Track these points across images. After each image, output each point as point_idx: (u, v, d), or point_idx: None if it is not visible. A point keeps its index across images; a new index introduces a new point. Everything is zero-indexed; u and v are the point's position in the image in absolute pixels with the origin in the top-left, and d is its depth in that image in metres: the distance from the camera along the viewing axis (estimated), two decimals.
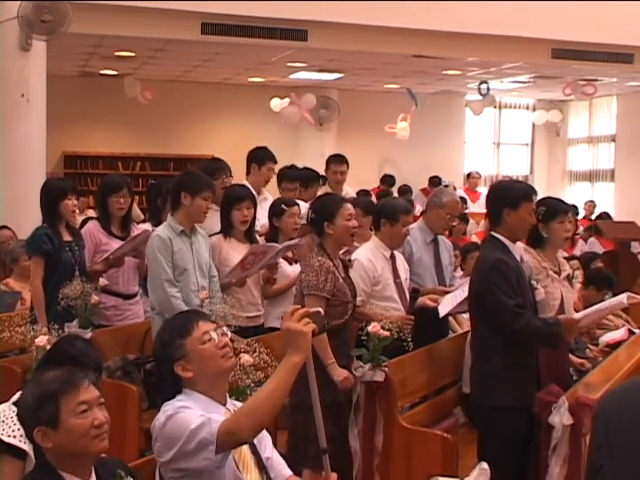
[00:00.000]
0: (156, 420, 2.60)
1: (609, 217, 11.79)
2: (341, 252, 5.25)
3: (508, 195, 4.08)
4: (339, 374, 4.15)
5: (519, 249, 4.22)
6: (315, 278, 4.19)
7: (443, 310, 4.78)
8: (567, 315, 4.27)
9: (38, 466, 2.41)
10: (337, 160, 7.16)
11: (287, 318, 2.54)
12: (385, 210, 4.99)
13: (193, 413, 2.52)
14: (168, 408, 2.58)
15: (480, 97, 12.94)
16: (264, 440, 2.75)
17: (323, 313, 2.66)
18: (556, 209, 4.39)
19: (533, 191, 4.24)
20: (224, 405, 2.69)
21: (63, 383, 2.36)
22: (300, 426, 4.08)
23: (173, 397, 2.64)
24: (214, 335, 2.68)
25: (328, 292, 4.19)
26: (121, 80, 12.61)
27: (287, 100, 12.33)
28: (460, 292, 4.76)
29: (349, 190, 7.40)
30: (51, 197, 5.15)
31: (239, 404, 2.82)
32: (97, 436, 2.35)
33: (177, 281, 4.75)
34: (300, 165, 7.51)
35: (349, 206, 4.41)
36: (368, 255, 4.86)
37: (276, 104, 12.58)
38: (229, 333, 2.79)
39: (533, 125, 16.27)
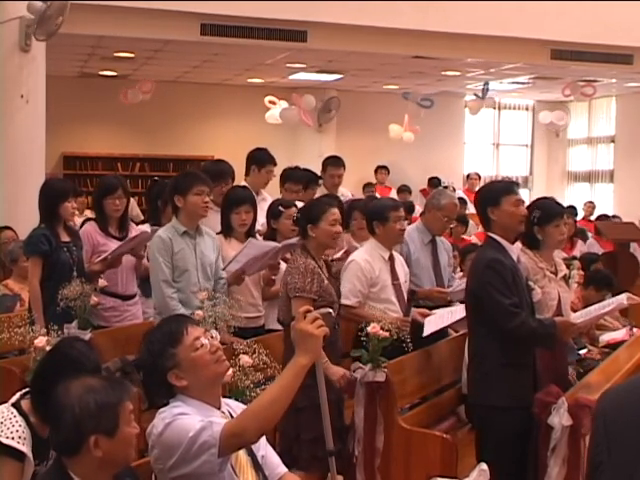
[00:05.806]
0: (153, 428, 2.56)
1: (608, 218, 11.77)
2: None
3: (488, 194, 4.18)
4: (334, 372, 4.11)
5: (516, 250, 4.23)
6: (301, 280, 4.13)
7: (428, 329, 4.70)
8: (563, 317, 4.27)
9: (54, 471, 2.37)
10: (334, 163, 7.09)
11: (299, 319, 2.52)
12: (374, 212, 4.95)
13: (192, 419, 2.49)
14: (165, 415, 2.54)
15: (477, 97, 12.95)
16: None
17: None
18: (551, 213, 4.38)
19: (514, 185, 4.34)
20: (219, 409, 2.66)
21: (123, 392, 2.36)
22: (292, 428, 4.04)
23: (167, 403, 2.61)
24: (205, 341, 2.64)
25: (315, 293, 4.13)
26: (121, 81, 12.61)
27: (277, 110, 12.24)
28: (448, 315, 4.76)
29: (344, 191, 7.37)
30: (51, 198, 5.12)
31: (233, 403, 2.80)
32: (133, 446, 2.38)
33: (177, 282, 4.75)
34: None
35: (335, 211, 4.34)
36: (365, 256, 4.82)
37: (270, 113, 12.46)
38: (218, 336, 2.76)
39: (533, 126, 16.26)
